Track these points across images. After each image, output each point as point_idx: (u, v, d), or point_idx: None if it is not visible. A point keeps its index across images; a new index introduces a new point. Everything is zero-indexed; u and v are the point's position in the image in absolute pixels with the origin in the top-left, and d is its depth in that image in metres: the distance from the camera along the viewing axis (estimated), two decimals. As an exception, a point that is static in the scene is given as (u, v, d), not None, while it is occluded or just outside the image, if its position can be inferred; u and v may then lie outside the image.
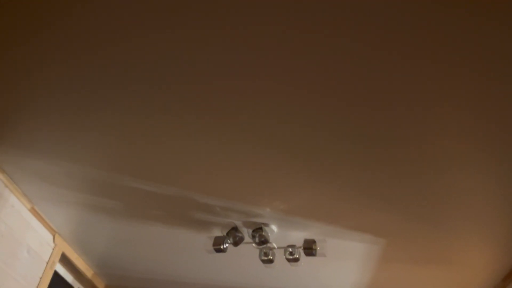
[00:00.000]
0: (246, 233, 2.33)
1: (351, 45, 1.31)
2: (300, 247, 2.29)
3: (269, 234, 2.28)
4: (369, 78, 1.40)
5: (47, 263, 2.63)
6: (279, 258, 2.40)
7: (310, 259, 2.42)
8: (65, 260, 2.93)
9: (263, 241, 2.26)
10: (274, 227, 2.31)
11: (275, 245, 2.34)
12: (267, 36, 1.31)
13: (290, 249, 2.33)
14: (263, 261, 2.37)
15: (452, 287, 2.60)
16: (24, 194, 2.35)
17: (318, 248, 2.24)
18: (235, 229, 2.30)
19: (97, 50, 1.44)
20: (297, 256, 2.32)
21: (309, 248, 2.24)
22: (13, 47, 1.47)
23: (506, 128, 1.50)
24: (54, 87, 1.61)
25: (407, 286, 2.68)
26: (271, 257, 2.35)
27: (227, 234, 2.31)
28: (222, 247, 2.30)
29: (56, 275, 2.94)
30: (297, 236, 2.34)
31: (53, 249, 2.69)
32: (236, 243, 2.30)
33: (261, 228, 2.27)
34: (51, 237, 2.66)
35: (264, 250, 2.35)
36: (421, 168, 1.74)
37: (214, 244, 2.31)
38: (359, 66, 1.37)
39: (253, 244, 2.32)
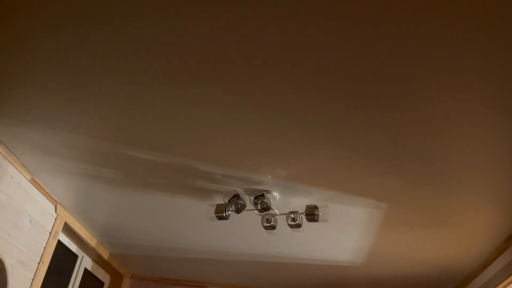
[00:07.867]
0: (248, 200, 2.32)
1: (351, 7, 1.25)
2: (302, 213, 2.29)
3: (271, 201, 2.28)
4: (369, 42, 1.35)
5: (50, 233, 2.65)
6: (282, 224, 2.40)
7: (312, 224, 2.43)
8: (68, 230, 2.94)
9: (265, 208, 2.25)
10: (276, 194, 2.30)
11: (277, 212, 2.34)
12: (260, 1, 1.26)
13: (292, 215, 2.33)
14: (266, 228, 2.37)
15: (455, 248, 2.62)
16: (23, 165, 2.33)
17: (320, 214, 2.24)
18: (236, 196, 2.29)
19: (95, 18, 1.38)
20: (299, 222, 2.32)
21: (311, 213, 2.24)
22: (10, 12, 1.41)
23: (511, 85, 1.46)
24: (51, 54, 1.56)
25: (409, 249, 2.71)
26: (274, 224, 2.35)
27: (229, 201, 2.30)
28: (224, 214, 2.30)
29: (60, 244, 2.97)
30: (299, 202, 2.34)
31: (56, 219, 2.69)
32: (238, 210, 2.30)
33: (262, 195, 2.26)
34: (52, 207, 2.66)
35: (266, 217, 2.35)
36: (422, 130, 1.70)
37: (216, 212, 2.32)
38: (359, 30, 1.31)
39: (255, 211, 2.32)
